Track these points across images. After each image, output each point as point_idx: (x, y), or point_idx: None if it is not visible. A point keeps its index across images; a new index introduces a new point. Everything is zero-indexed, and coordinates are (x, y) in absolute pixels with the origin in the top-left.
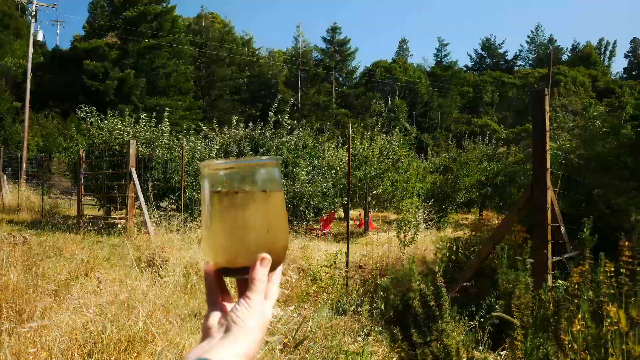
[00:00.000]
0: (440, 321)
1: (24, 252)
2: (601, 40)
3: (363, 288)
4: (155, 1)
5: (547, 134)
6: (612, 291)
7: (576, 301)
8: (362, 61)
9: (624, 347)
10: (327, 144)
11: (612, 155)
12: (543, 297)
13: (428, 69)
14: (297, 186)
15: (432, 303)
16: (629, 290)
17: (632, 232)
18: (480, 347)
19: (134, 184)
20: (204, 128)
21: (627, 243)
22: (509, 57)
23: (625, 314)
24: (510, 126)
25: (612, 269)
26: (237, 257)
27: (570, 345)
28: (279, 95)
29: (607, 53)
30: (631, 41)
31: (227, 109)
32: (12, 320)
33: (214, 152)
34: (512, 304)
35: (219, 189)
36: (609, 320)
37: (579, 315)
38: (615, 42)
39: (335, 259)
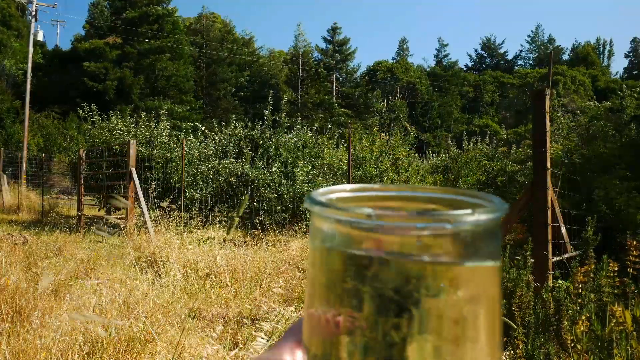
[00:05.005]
0: None
1: (24, 252)
2: (598, 39)
3: None
4: (155, 2)
5: (548, 134)
6: (616, 291)
7: (579, 301)
8: (362, 61)
9: (628, 347)
10: (327, 144)
11: (613, 155)
12: (545, 296)
13: (428, 69)
14: (297, 186)
15: None
16: (634, 290)
17: (637, 231)
18: None
19: (134, 184)
20: (202, 128)
21: (634, 243)
22: (509, 57)
23: (630, 314)
24: (510, 126)
25: (616, 268)
26: None
27: (573, 346)
28: (272, 92)
29: (606, 52)
30: (632, 41)
31: (228, 109)
32: (11, 321)
33: (212, 152)
34: (513, 303)
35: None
36: (614, 321)
37: (583, 316)
38: (611, 41)
39: None
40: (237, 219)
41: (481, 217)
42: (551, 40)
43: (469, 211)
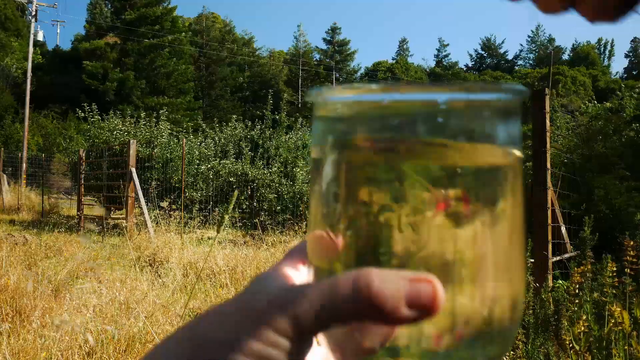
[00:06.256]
0: None
1: (24, 252)
2: (600, 40)
3: None
4: (155, 2)
5: (548, 134)
6: (614, 291)
7: (577, 301)
8: (362, 61)
9: (626, 347)
10: None
11: (613, 155)
12: (544, 296)
13: (428, 69)
14: (297, 186)
15: None
16: (633, 290)
17: (635, 231)
18: None
19: (134, 184)
20: (204, 126)
21: (631, 242)
22: (509, 57)
23: (628, 314)
24: None
25: (615, 268)
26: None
27: (571, 346)
28: (271, 91)
29: (607, 52)
30: (631, 41)
31: (228, 109)
32: (11, 321)
33: (212, 152)
34: None
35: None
36: (612, 321)
37: (583, 316)
38: (613, 42)
39: None
40: (226, 217)
41: (502, 91)
42: (551, 40)
43: (488, 87)
